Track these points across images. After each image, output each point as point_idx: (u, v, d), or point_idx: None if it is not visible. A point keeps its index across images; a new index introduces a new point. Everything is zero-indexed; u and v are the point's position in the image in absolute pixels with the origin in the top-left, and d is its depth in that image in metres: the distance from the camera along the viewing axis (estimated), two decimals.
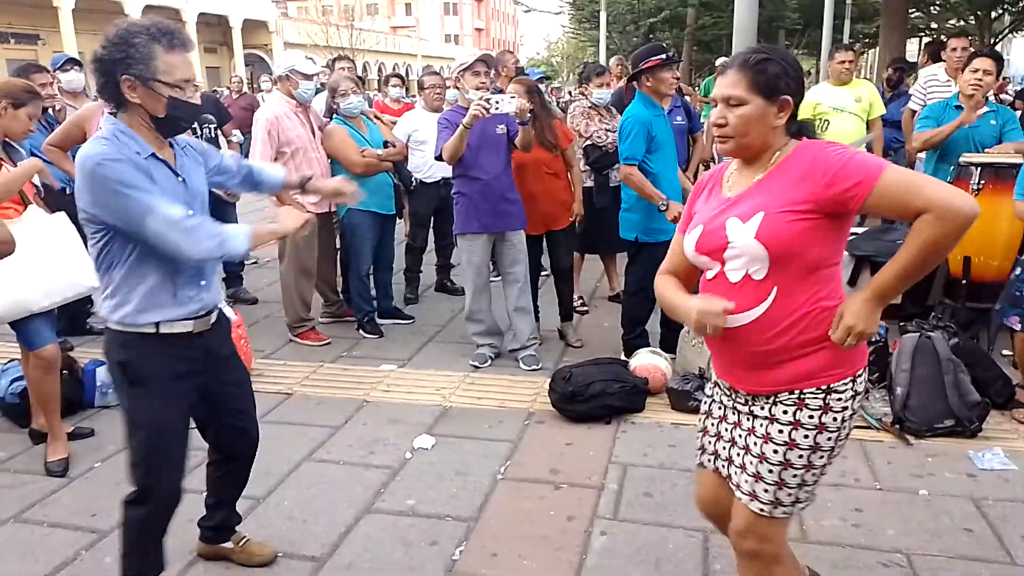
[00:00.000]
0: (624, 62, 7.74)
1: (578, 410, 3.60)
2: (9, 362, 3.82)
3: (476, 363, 4.39)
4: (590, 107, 5.24)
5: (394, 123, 5.53)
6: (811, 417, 1.75)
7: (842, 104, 5.56)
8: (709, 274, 1.84)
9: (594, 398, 3.57)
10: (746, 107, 1.72)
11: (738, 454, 1.87)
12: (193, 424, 2.32)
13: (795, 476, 1.78)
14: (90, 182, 1.97)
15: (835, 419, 1.76)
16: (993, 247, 4.27)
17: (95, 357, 4.07)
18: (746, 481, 1.83)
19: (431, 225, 5.77)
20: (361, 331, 4.94)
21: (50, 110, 4.72)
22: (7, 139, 3.26)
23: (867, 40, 24.92)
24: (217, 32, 37.89)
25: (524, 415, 3.73)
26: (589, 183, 5.07)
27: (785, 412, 1.77)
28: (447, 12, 77.82)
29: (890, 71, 7.77)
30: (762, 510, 1.81)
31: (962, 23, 19.44)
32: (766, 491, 1.79)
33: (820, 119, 5.61)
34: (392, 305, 5.25)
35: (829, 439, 1.77)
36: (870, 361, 1.97)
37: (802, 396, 1.75)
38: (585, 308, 5.40)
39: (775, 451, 1.78)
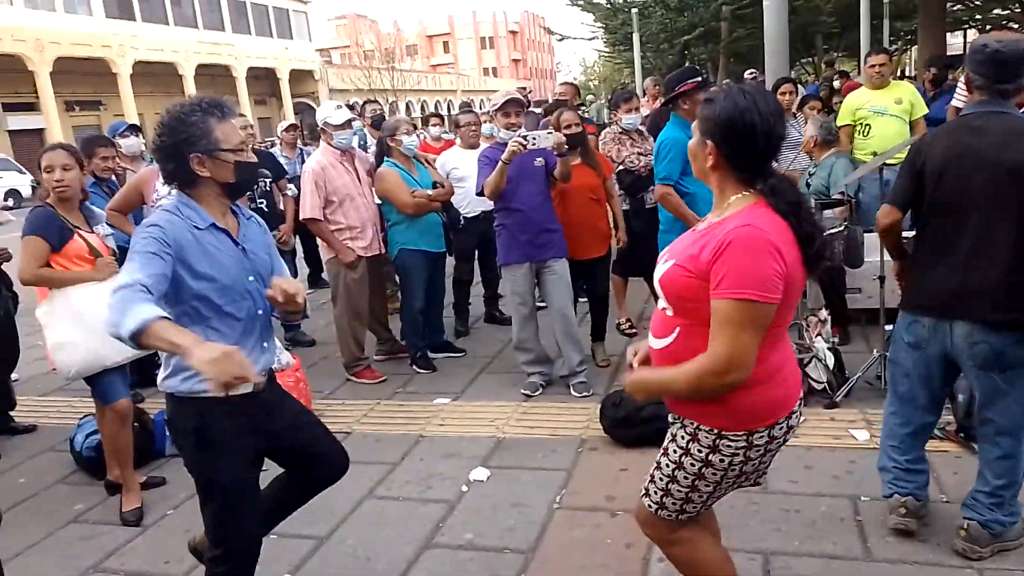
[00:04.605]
0: (660, 82, 7.79)
1: (631, 434, 3.60)
2: (84, 417, 4.01)
3: (527, 392, 4.42)
4: (621, 132, 5.29)
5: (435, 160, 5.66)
6: (700, 451, 1.86)
7: (882, 107, 5.48)
8: None
9: (646, 422, 3.54)
10: (693, 139, 1.85)
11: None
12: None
13: (680, 491, 1.92)
14: None
15: (722, 460, 1.85)
16: None
17: (164, 408, 4.25)
18: (648, 478, 2.01)
19: (475, 258, 5.87)
20: (415, 367, 5.03)
21: (112, 176, 4.98)
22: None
23: (909, 37, 24.40)
24: (266, 84, 39.37)
25: (577, 442, 3.74)
26: (625, 207, 5.12)
27: (683, 438, 1.90)
28: (484, 46, 79.18)
29: (934, 71, 7.61)
30: (649, 506, 2.00)
31: (1007, 12, 18.89)
32: (656, 492, 1.97)
33: (861, 124, 5.54)
34: (443, 339, 5.34)
35: (714, 474, 1.88)
36: None
37: (697, 431, 1.86)
38: (634, 331, 5.39)
39: (667, 464, 1.94)
